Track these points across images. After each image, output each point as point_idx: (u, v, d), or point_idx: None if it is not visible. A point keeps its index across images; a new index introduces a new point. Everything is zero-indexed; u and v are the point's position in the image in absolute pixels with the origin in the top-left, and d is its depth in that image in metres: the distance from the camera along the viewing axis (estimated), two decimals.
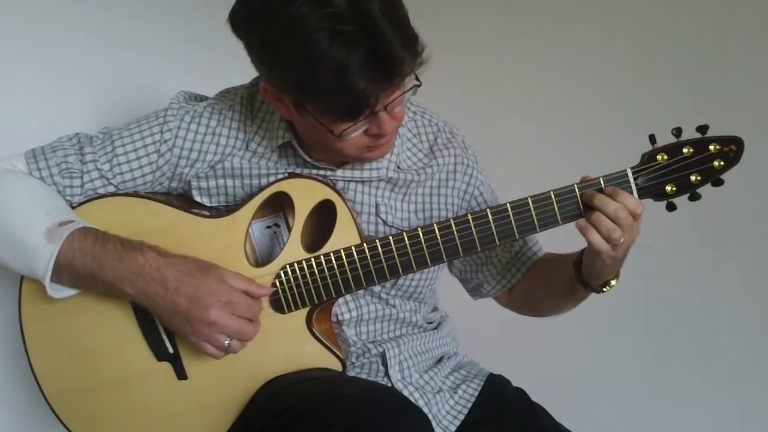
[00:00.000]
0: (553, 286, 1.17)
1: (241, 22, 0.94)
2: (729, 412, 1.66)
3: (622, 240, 0.96)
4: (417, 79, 0.93)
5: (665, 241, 1.64)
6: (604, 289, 1.07)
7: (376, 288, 1.13)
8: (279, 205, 1.10)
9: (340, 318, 1.13)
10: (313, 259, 1.04)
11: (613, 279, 1.06)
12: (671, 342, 1.71)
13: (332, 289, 1.04)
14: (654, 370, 1.74)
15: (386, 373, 1.13)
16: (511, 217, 1.01)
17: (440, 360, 1.22)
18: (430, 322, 1.26)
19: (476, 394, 1.15)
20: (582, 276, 1.07)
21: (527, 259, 1.21)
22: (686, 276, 1.66)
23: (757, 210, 1.56)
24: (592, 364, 1.81)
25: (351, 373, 1.13)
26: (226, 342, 0.98)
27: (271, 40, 0.90)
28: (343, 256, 1.03)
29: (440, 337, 1.24)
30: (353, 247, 1.03)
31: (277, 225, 1.12)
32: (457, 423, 1.12)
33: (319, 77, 0.87)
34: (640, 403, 1.76)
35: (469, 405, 1.14)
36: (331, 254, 1.03)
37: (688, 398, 1.70)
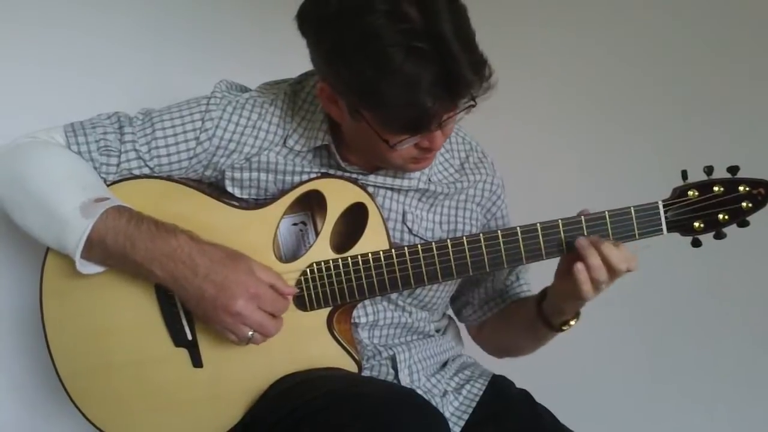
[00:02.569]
0: (516, 324, 1.19)
1: (311, 21, 0.94)
2: (731, 414, 1.67)
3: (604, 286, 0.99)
4: (473, 98, 0.94)
5: (665, 241, 1.66)
6: (563, 328, 1.09)
7: (394, 295, 1.14)
8: (308, 204, 1.10)
9: (356, 321, 1.13)
10: (340, 260, 1.04)
11: (573, 318, 1.09)
12: (675, 344, 1.71)
13: (356, 292, 1.05)
14: (657, 372, 1.75)
15: (396, 376, 1.14)
16: (540, 237, 1.03)
17: (446, 363, 1.23)
18: (438, 330, 1.27)
19: (480, 393, 1.16)
20: (544, 313, 1.09)
21: (514, 294, 1.23)
22: (689, 277, 1.67)
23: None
24: (595, 366, 1.81)
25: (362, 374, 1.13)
26: (250, 333, 0.98)
27: (342, 45, 0.90)
28: (371, 260, 1.04)
29: (446, 342, 1.25)
30: (381, 252, 1.04)
31: (304, 223, 1.12)
32: (462, 423, 1.13)
33: (387, 90, 0.89)
34: (644, 405, 1.77)
35: (474, 404, 1.15)
36: (359, 257, 1.04)
37: (692, 400, 1.71)
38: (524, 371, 1.26)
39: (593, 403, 1.78)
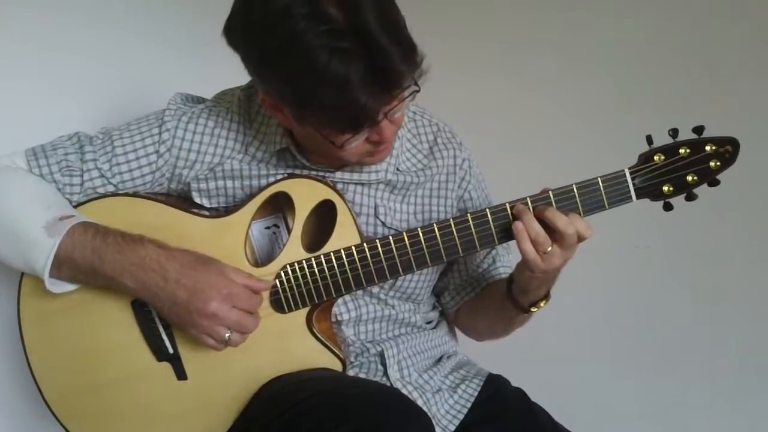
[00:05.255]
0: (489, 306, 1.18)
1: (237, 36, 0.93)
2: (729, 414, 1.66)
3: (549, 249, 0.97)
4: (416, 84, 0.93)
5: (663, 241, 1.65)
6: (532, 309, 1.08)
7: (375, 289, 1.14)
8: (278, 206, 1.10)
9: (339, 318, 1.13)
10: (313, 259, 1.04)
11: (542, 300, 1.08)
12: (672, 342, 1.71)
13: (332, 289, 1.04)
14: (654, 371, 1.74)
15: (385, 373, 1.14)
16: (510, 216, 1.02)
17: (440, 359, 1.22)
18: (429, 322, 1.26)
19: (476, 393, 1.15)
20: (512, 293, 1.08)
21: (490, 278, 1.21)
22: (686, 276, 1.67)
23: (754, 207, 1.56)
24: (591, 364, 1.81)
25: (350, 373, 1.13)
26: (227, 335, 0.98)
27: (269, 56, 0.90)
28: (344, 256, 1.03)
29: (439, 336, 1.24)
30: (353, 247, 1.04)
31: (276, 226, 1.12)
32: (457, 423, 1.13)
33: (319, 93, 0.88)
34: (639, 403, 1.76)
35: (469, 405, 1.14)
36: (332, 254, 1.04)
37: (688, 399, 1.70)
38: (520, 370, 1.25)
39: (589, 401, 1.77)
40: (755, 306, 1.61)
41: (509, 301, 1.09)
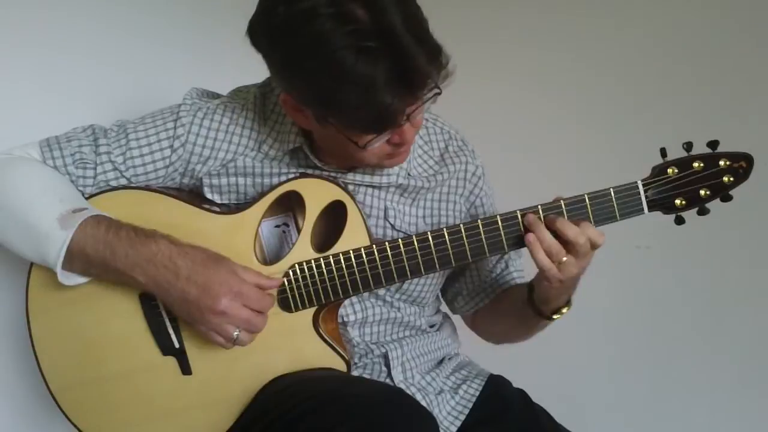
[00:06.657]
0: (507, 312, 1.18)
1: (260, 36, 0.93)
2: (730, 414, 1.67)
3: (565, 259, 0.97)
4: (437, 86, 0.93)
5: (665, 241, 1.65)
6: (554, 317, 1.08)
7: (381, 291, 1.14)
8: (289, 205, 1.10)
9: (345, 319, 1.13)
10: (322, 259, 1.04)
11: (564, 307, 1.07)
12: (672, 343, 1.72)
13: (340, 290, 1.04)
14: (655, 371, 1.75)
15: (389, 374, 1.14)
16: (521, 224, 1.01)
17: (441, 361, 1.22)
18: (432, 325, 1.26)
19: (477, 394, 1.15)
20: (534, 302, 1.08)
21: (504, 283, 1.21)
22: (687, 276, 1.67)
23: (755, 208, 1.56)
24: (592, 365, 1.82)
25: (354, 373, 1.13)
26: (235, 333, 0.98)
27: (293, 56, 0.90)
28: (352, 257, 1.03)
29: (442, 339, 1.24)
30: (362, 249, 1.04)
31: (286, 224, 1.12)
32: (458, 423, 1.13)
33: (344, 93, 0.88)
34: (641, 404, 1.77)
35: (470, 405, 1.14)
36: (341, 255, 1.04)
37: (690, 399, 1.71)
38: (521, 371, 1.25)
39: (590, 402, 1.77)
40: (756, 306, 1.61)
41: (531, 309, 1.09)
